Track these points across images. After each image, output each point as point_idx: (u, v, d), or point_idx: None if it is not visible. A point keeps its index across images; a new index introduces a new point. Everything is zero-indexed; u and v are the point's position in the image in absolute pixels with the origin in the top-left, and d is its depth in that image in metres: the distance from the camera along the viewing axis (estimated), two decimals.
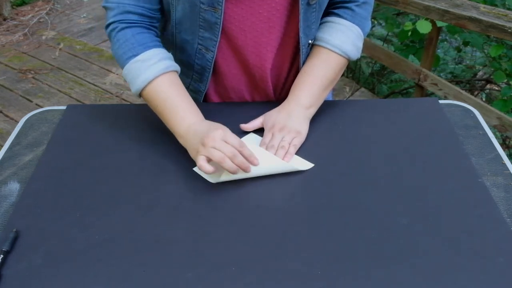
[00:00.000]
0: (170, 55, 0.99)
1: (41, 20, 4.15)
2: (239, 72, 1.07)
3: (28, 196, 0.88)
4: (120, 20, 0.97)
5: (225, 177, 0.89)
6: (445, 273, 0.73)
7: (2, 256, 0.76)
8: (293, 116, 1.00)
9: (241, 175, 0.89)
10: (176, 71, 0.99)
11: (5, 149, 1.03)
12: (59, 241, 0.79)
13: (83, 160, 0.97)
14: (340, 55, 1.03)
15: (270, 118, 1.02)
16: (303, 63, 1.07)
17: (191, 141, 0.91)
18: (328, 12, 1.05)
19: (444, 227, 0.80)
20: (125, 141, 1.01)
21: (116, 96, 3.09)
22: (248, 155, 0.87)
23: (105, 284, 0.72)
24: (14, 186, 0.92)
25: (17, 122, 2.83)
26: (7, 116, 2.93)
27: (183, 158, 0.96)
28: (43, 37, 3.86)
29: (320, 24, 1.06)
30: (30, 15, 4.22)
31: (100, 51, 3.63)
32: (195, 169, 0.93)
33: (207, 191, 0.88)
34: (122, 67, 0.98)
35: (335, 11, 1.04)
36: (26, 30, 3.96)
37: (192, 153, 0.92)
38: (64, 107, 1.14)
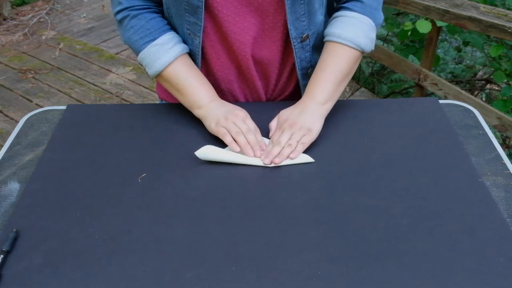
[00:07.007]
0: (181, 38, 1.05)
1: (41, 20, 4.15)
2: (227, 61, 1.07)
3: (28, 196, 0.88)
4: (130, 7, 1.02)
5: (223, 156, 0.94)
6: (445, 273, 0.73)
7: (2, 256, 0.76)
8: (307, 113, 0.99)
9: (238, 159, 0.94)
10: (189, 53, 1.06)
11: (5, 149, 1.03)
12: (59, 241, 0.79)
13: (83, 160, 0.97)
14: (354, 48, 1.01)
15: (283, 115, 1.01)
16: (301, 61, 1.07)
17: (214, 111, 1.00)
18: (337, 8, 1.06)
19: (444, 227, 0.80)
20: (125, 141, 1.01)
21: (116, 96, 3.09)
22: (258, 140, 0.95)
23: (105, 284, 0.72)
24: (14, 186, 0.92)
25: (17, 122, 2.84)
26: (7, 116, 2.93)
27: (183, 157, 0.96)
28: (43, 37, 3.86)
29: (331, 20, 1.05)
30: (30, 15, 4.22)
31: (100, 51, 3.63)
32: (196, 153, 0.93)
33: (207, 191, 0.88)
34: (138, 52, 1.03)
35: (344, 5, 1.04)
36: (26, 30, 3.96)
37: (211, 123, 0.99)
38: (64, 107, 1.14)
